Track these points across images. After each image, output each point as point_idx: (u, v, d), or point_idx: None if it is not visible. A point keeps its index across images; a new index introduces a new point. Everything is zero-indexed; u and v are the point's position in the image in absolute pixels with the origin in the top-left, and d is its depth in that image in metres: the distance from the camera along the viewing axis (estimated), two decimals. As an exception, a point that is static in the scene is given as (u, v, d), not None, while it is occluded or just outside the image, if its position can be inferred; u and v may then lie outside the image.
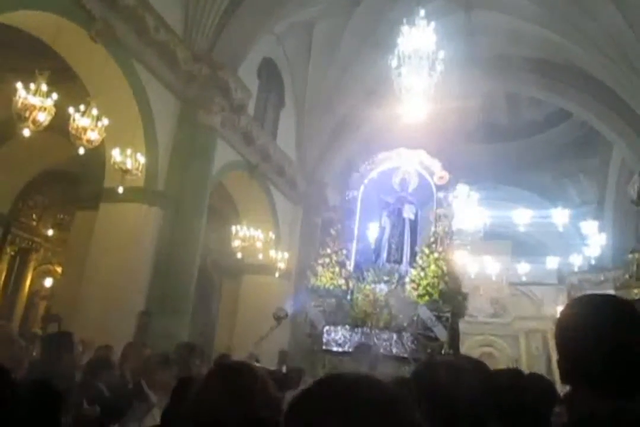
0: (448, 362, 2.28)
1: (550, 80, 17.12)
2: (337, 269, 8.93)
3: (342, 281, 8.85)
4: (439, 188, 9.39)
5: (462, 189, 15.07)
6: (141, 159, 9.76)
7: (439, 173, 9.45)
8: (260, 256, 14.27)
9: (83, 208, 11.84)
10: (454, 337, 8.39)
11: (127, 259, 10.43)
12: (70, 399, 3.64)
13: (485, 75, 17.18)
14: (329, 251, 9.12)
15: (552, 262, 20.10)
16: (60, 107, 7.75)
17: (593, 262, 18.70)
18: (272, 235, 14.69)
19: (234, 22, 12.42)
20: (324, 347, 8.48)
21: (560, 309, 1.69)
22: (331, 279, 8.82)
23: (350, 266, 9.26)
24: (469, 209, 15.37)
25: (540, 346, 21.93)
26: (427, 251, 8.63)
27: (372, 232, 9.90)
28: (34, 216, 17.71)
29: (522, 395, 2.45)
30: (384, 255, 9.33)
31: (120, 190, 9.59)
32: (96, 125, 8.41)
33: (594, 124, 17.64)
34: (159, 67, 11.13)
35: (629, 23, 12.57)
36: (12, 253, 16.87)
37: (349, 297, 8.82)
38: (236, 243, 13.42)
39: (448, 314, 8.15)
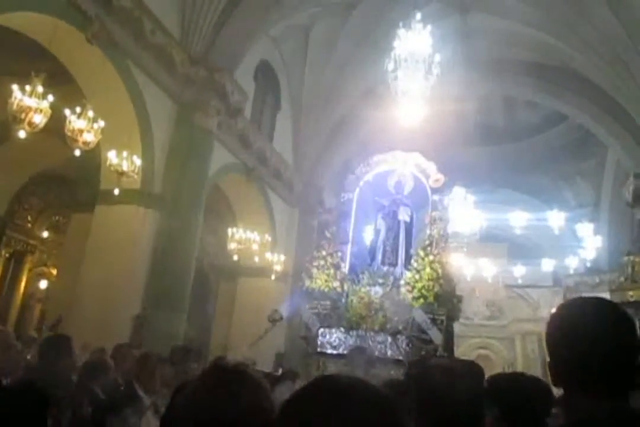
0: (443, 364, 2.29)
1: (546, 83, 17.17)
2: (332, 271, 8.93)
3: (337, 284, 8.85)
4: (435, 191, 9.40)
5: (458, 191, 15.10)
6: (137, 161, 9.75)
7: (434, 176, 9.46)
8: (257, 259, 14.27)
9: (79, 210, 11.83)
10: (449, 340, 8.40)
11: (123, 261, 10.41)
12: (68, 402, 3.64)
13: (481, 78, 17.23)
14: (324, 253, 9.12)
15: (548, 265, 20.12)
16: (56, 109, 7.73)
17: (589, 264, 18.73)
18: (268, 237, 14.68)
19: (230, 25, 12.42)
20: (318, 349, 8.48)
21: (556, 311, 1.71)
22: (326, 281, 8.82)
23: (345, 268, 9.26)
24: (465, 212, 15.39)
25: (536, 348, 21.96)
26: (422, 253, 8.65)
27: (368, 234, 9.91)
28: (29, 218, 17.65)
29: (520, 397, 2.46)
30: (379, 257, 9.34)
31: (117, 192, 9.59)
32: (92, 128, 8.39)
33: (590, 126, 17.70)
34: (156, 70, 11.12)
35: (624, 26, 12.62)
36: (7, 255, 16.82)
37: (343, 299, 8.82)
38: (233, 245, 13.41)
39: (443, 317, 8.16)
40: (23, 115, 7.32)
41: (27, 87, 7.36)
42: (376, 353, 7.78)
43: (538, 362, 21.07)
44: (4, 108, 7.41)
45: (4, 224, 16.21)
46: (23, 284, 17.36)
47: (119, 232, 10.58)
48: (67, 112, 8.18)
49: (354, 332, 8.39)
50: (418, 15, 10.14)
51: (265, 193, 16.36)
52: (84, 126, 8.29)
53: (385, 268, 9.12)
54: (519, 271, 20.29)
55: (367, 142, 17.62)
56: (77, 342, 4.45)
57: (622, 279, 14.26)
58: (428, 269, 8.37)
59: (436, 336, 7.97)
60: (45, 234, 17.92)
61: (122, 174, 9.47)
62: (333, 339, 8.43)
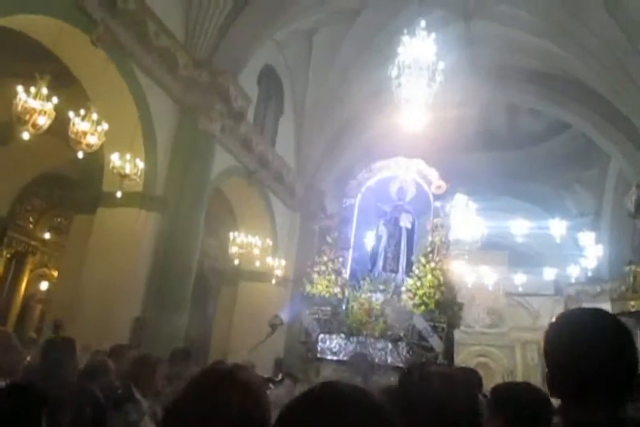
0: (443, 372, 2.28)
1: (549, 91, 17.18)
2: (333, 277, 8.92)
3: (337, 289, 8.84)
4: (437, 197, 9.40)
5: (460, 198, 15.10)
6: (140, 164, 9.75)
7: (436, 182, 9.46)
8: (258, 263, 14.25)
9: (81, 212, 11.81)
10: (449, 347, 8.38)
11: (124, 263, 10.40)
12: (69, 404, 3.63)
13: (484, 85, 17.24)
14: (325, 258, 9.11)
15: (549, 273, 20.10)
16: (60, 111, 7.75)
17: (590, 273, 18.71)
18: (269, 242, 14.66)
19: (235, 29, 12.45)
20: (318, 355, 8.46)
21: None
22: (327, 287, 8.81)
23: (346, 274, 9.25)
24: (467, 219, 15.38)
25: (536, 356, 21.89)
26: (423, 260, 8.64)
27: (369, 240, 9.90)
28: (31, 219, 17.67)
29: (524, 407, 2.46)
30: (380, 264, 9.34)
31: (119, 195, 9.59)
32: (96, 130, 8.41)
33: (592, 135, 17.70)
34: (160, 73, 11.15)
35: (626, 34, 12.64)
36: (9, 256, 16.83)
37: (344, 305, 8.81)
38: (234, 249, 13.40)
39: (444, 324, 8.15)
40: (27, 117, 7.33)
41: (32, 89, 7.38)
42: (376, 360, 7.76)
43: (538, 370, 20.99)
44: (9, 109, 7.43)
45: (6, 224, 16.23)
46: (24, 285, 17.36)
47: (121, 235, 10.57)
48: (71, 114, 8.20)
49: (355, 339, 8.37)
50: (423, 23, 10.16)
51: (266, 197, 16.35)
52: (87, 128, 8.31)
53: (386, 274, 9.11)
54: (520, 279, 20.27)
55: (370, 147, 17.63)
56: (77, 343, 4.43)
57: (623, 288, 14.24)
58: (430, 276, 8.36)
59: (437, 344, 7.95)
60: (46, 235, 17.94)
61: (124, 176, 9.47)
62: (333, 345, 8.40)
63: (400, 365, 7.88)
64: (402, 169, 9.78)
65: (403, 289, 8.69)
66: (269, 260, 14.72)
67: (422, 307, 8.20)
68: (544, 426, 2.56)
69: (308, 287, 8.90)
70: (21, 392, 2.68)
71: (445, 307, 8.32)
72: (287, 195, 17.42)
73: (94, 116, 8.45)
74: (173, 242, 11.16)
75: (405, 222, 9.51)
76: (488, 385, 5.03)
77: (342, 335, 8.44)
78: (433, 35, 10.00)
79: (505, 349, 23.16)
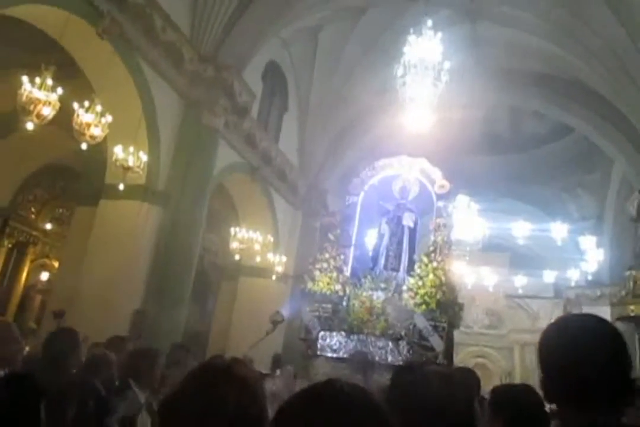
0: (441, 372, 2.27)
1: (554, 95, 17.15)
2: (334, 274, 8.92)
3: (338, 287, 8.84)
4: (439, 197, 9.40)
5: (462, 199, 15.09)
6: (143, 157, 9.75)
7: (439, 182, 9.46)
8: (258, 259, 14.26)
9: (83, 204, 11.81)
10: (449, 347, 8.38)
11: (125, 256, 10.40)
12: (73, 395, 3.63)
13: (489, 87, 17.20)
14: (327, 255, 9.11)
15: (549, 276, 20.06)
16: (64, 102, 7.74)
17: (590, 277, 18.68)
18: (270, 238, 14.67)
19: (241, 24, 12.44)
20: (318, 352, 8.46)
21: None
22: (328, 284, 8.81)
23: (348, 271, 9.25)
24: (468, 220, 15.37)
25: (534, 359, 21.74)
26: (425, 260, 8.63)
27: (371, 238, 9.89)
28: (33, 209, 17.67)
29: (523, 409, 2.46)
30: (382, 262, 9.33)
31: (121, 187, 9.59)
32: (100, 122, 8.41)
33: (595, 139, 17.68)
34: (165, 67, 11.13)
35: (631, 37, 12.57)
36: (10, 246, 16.84)
37: (345, 303, 8.80)
38: (235, 245, 13.40)
39: (444, 324, 8.15)
40: (32, 107, 7.33)
41: (37, 80, 7.38)
42: (377, 358, 7.77)
43: (536, 373, 20.76)
44: (13, 99, 7.43)
45: (8, 214, 16.24)
46: (24, 275, 17.38)
47: (122, 227, 10.57)
48: (75, 105, 8.20)
49: (355, 336, 8.37)
50: (429, 22, 10.14)
51: (269, 194, 16.35)
52: (91, 120, 8.31)
53: (387, 273, 9.11)
54: (520, 281, 20.25)
55: (374, 146, 17.60)
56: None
57: (623, 293, 14.23)
58: (431, 276, 8.36)
59: (437, 343, 7.95)
60: (48, 226, 17.94)
61: (127, 169, 9.47)
62: (333, 343, 8.41)
63: (401, 364, 7.88)
64: (406, 167, 9.77)
65: (404, 287, 8.69)
66: (270, 256, 14.72)
67: (423, 307, 8.20)
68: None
69: (309, 284, 8.90)
70: (20, 382, 2.68)
71: (446, 307, 8.32)
72: (289, 192, 17.41)
73: (98, 108, 8.45)
74: (174, 236, 11.15)
75: (408, 221, 9.50)
76: (486, 386, 5.03)
77: (343, 333, 8.45)
78: (439, 34, 9.98)
79: (504, 350, 23.15)
